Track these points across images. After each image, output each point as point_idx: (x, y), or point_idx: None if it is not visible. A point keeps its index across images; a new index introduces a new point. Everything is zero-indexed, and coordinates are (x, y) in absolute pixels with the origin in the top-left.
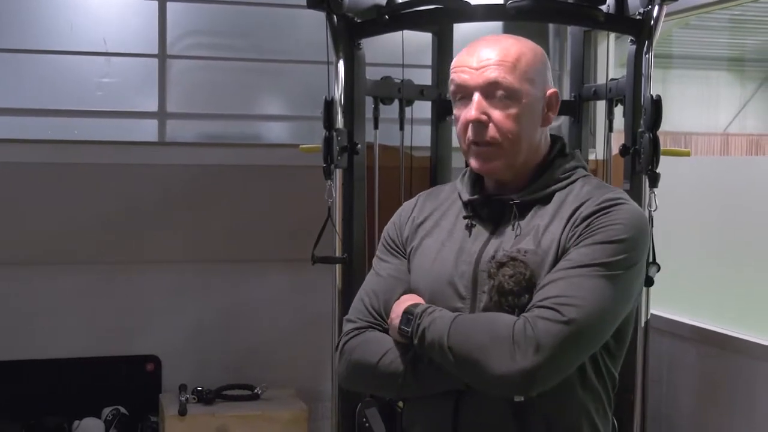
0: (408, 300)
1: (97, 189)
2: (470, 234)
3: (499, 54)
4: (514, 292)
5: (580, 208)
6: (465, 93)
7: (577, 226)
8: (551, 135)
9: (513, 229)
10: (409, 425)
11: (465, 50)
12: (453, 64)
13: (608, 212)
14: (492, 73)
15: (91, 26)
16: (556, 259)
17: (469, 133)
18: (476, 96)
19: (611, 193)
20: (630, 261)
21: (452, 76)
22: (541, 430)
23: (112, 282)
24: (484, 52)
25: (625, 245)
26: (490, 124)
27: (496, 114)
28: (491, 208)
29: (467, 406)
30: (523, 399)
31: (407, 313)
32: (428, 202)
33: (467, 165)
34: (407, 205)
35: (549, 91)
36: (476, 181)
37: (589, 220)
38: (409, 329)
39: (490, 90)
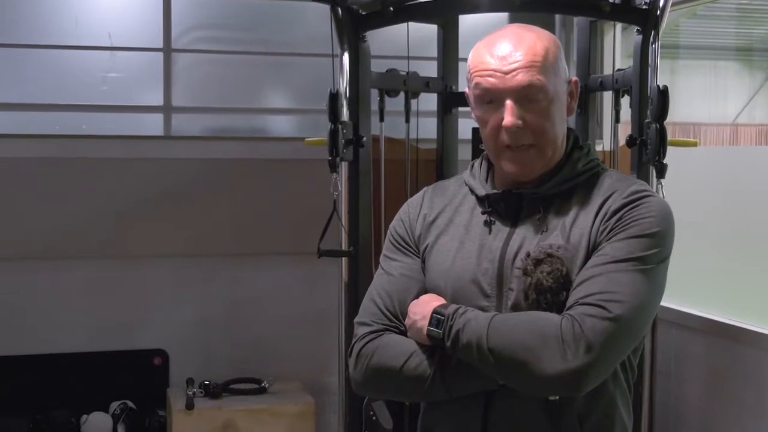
0: (431, 300)
1: (104, 183)
2: (489, 230)
3: (527, 53)
4: (553, 289)
5: (608, 202)
6: (494, 97)
7: (607, 220)
8: None
9: (538, 225)
10: (430, 425)
11: (485, 49)
12: (474, 65)
13: (638, 205)
14: (525, 77)
15: (95, 21)
16: (588, 254)
17: (504, 137)
18: (509, 102)
19: (636, 185)
20: (662, 254)
21: (477, 79)
22: (575, 428)
23: (118, 276)
24: (511, 53)
25: (657, 239)
26: (526, 128)
27: (531, 117)
28: (509, 202)
29: (498, 407)
30: (557, 398)
31: (437, 314)
32: (437, 198)
33: (473, 159)
34: (414, 201)
35: (572, 80)
36: (489, 174)
37: (619, 214)
38: (440, 331)
39: (523, 93)
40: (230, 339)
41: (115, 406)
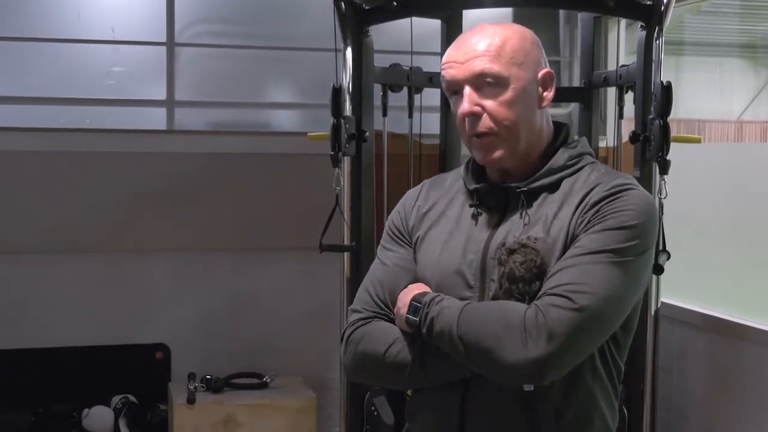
0: (415, 289)
1: (106, 177)
2: (477, 223)
3: (483, 43)
4: (525, 279)
5: (589, 194)
6: (456, 87)
7: (586, 212)
8: (556, 122)
9: (521, 218)
10: (413, 414)
11: (452, 45)
12: (443, 60)
13: (618, 198)
14: (477, 65)
15: (98, 15)
16: (566, 247)
17: (467, 126)
18: (467, 89)
19: (620, 178)
20: (640, 247)
21: (442, 72)
22: (551, 420)
23: (120, 270)
24: (469, 44)
25: (635, 231)
26: (484, 115)
27: (488, 104)
28: (497, 196)
29: (475, 396)
30: (532, 389)
31: (415, 301)
32: (433, 191)
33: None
34: (411, 193)
35: (541, 72)
36: (480, 169)
37: (598, 206)
38: (417, 318)
39: (478, 81)
40: (232, 334)
41: (116, 400)
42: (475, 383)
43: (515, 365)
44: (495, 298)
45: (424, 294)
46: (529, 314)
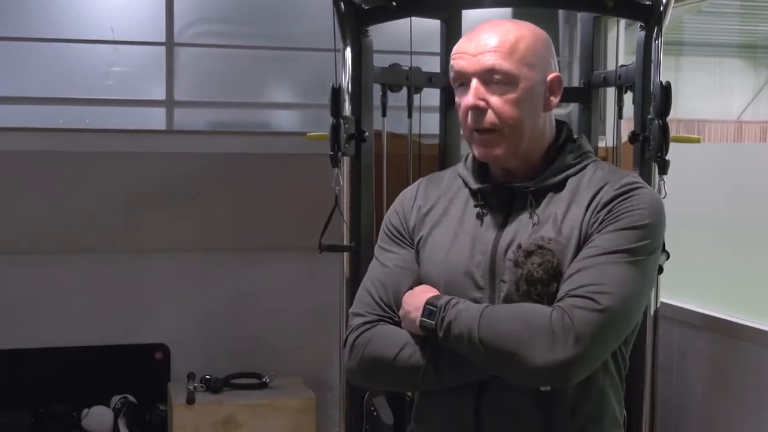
0: (424, 291)
1: (106, 177)
2: (482, 223)
3: (497, 39)
4: (543, 280)
5: (599, 194)
6: (464, 79)
7: (598, 212)
8: (556, 120)
9: (530, 218)
10: (422, 416)
11: (465, 36)
12: (453, 50)
13: (629, 197)
14: (489, 59)
15: (97, 15)
16: (579, 247)
17: (469, 119)
18: (474, 82)
19: (627, 177)
20: (652, 246)
21: (452, 62)
22: (566, 419)
23: (121, 270)
24: (483, 38)
25: (647, 231)
26: (489, 110)
27: (495, 100)
28: (501, 196)
29: (490, 397)
30: (549, 389)
31: (429, 304)
32: (431, 190)
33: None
34: (408, 192)
35: (550, 76)
36: (482, 168)
37: (610, 206)
38: (433, 322)
39: (487, 76)
40: (231, 334)
41: (116, 400)
42: (490, 384)
43: (542, 367)
44: (507, 299)
45: (438, 297)
46: (554, 316)
